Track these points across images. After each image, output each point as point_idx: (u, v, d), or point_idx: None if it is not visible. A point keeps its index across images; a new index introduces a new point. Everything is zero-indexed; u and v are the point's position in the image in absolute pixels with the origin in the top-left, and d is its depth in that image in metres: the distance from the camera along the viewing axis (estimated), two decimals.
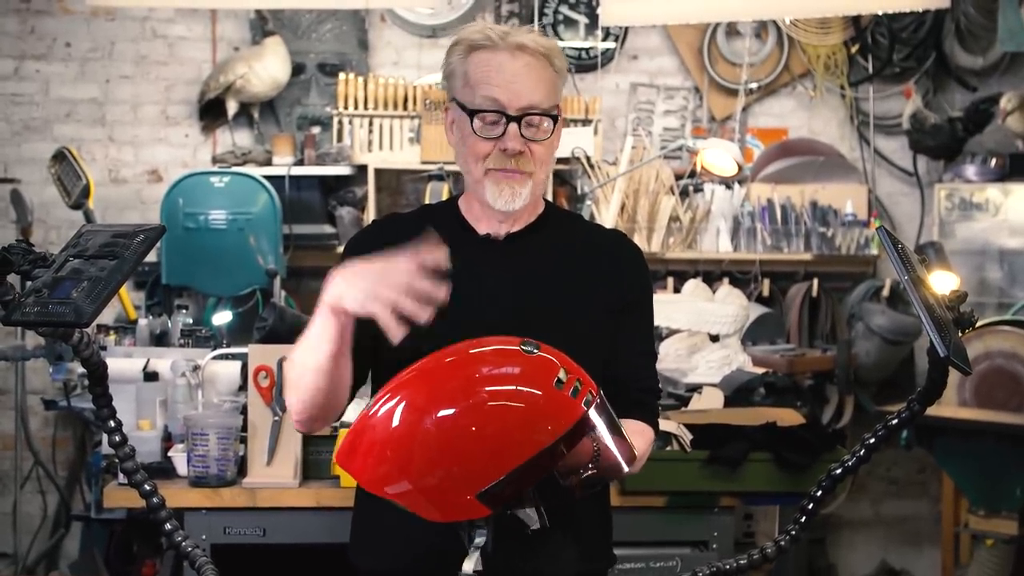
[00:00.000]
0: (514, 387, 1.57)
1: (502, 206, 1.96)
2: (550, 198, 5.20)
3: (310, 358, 1.82)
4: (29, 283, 1.70)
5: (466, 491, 1.55)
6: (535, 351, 1.60)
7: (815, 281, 5.42)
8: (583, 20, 5.74)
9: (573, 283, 2.02)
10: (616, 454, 1.65)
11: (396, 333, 1.67)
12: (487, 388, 1.56)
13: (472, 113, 1.95)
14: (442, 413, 1.55)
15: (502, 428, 1.54)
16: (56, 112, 5.60)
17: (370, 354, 1.93)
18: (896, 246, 1.66)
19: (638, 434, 1.90)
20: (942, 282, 4.52)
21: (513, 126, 1.92)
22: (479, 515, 1.57)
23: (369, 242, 2.01)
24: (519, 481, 1.56)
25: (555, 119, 1.97)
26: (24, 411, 5.06)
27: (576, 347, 1.85)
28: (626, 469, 1.69)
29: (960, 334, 1.70)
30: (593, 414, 1.59)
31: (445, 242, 1.93)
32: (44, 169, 5.13)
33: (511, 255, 2.01)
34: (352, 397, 1.97)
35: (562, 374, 1.58)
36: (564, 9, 5.73)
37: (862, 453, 2.03)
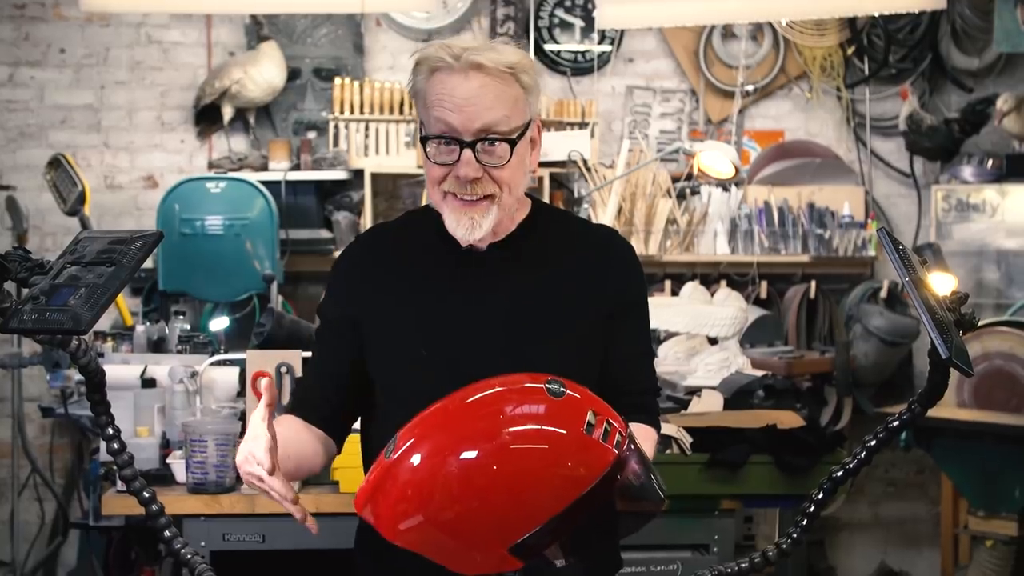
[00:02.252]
0: (538, 427, 1.50)
1: (462, 236, 1.87)
2: (546, 201, 5.23)
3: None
4: (26, 290, 1.69)
5: (496, 544, 1.48)
6: (562, 390, 1.52)
7: (813, 283, 5.41)
8: (579, 23, 5.73)
9: (563, 290, 1.94)
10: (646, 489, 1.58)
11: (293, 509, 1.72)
12: (510, 429, 1.49)
13: (424, 140, 1.86)
14: (464, 455, 1.47)
15: (528, 472, 1.47)
16: (51, 118, 5.59)
17: (356, 390, 1.98)
18: (896, 247, 1.66)
19: (643, 439, 1.87)
20: (940, 283, 4.52)
21: (467, 152, 1.82)
22: (511, 568, 1.50)
23: (357, 257, 2.04)
24: (555, 532, 1.48)
25: (512, 143, 1.84)
26: (21, 418, 5.04)
27: (569, 358, 1.86)
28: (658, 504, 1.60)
29: (961, 335, 1.70)
30: (625, 455, 1.53)
31: (427, 254, 1.95)
32: (40, 176, 5.11)
33: (496, 266, 1.93)
34: (343, 438, 2.03)
35: (591, 416, 1.50)
36: (560, 12, 5.72)
37: (863, 455, 2.02)
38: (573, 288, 1.95)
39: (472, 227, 1.85)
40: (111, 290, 1.68)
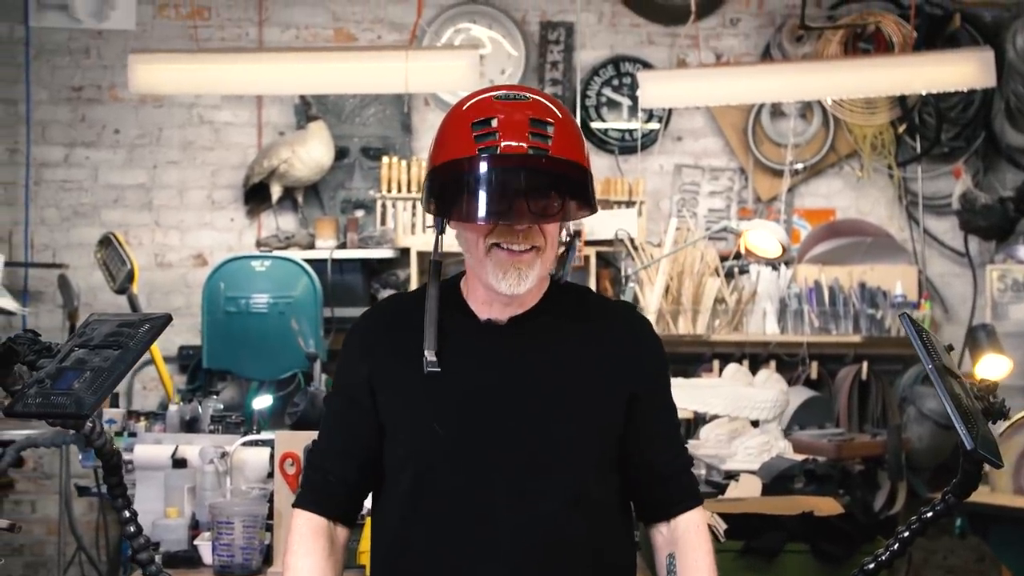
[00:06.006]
0: None
1: (506, 289, 1.84)
2: (593, 280, 5.21)
3: None
4: (34, 373, 1.69)
5: None
6: None
7: (865, 364, 5.31)
8: (626, 102, 5.74)
9: (581, 367, 1.91)
10: None
11: None
12: None
13: None
14: None
15: None
16: (104, 198, 5.69)
17: (372, 462, 1.95)
18: (920, 334, 1.61)
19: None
20: (994, 366, 4.40)
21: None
22: None
23: (373, 324, 2.02)
24: None
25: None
26: (68, 496, 5.06)
27: (586, 435, 1.88)
28: None
29: (991, 424, 1.63)
30: None
31: (443, 326, 1.90)
32: (92, 254, 5.18)
33: (514, 341, 1.91)
34: (358, 513, 2.03)
35: None
36: (607, 91, 5.74)
37: (896, 547, 1.96)
38: (592, 365, 1.92)
39: (519, 279, 1.83)
40: (116, 373, 1.68)
